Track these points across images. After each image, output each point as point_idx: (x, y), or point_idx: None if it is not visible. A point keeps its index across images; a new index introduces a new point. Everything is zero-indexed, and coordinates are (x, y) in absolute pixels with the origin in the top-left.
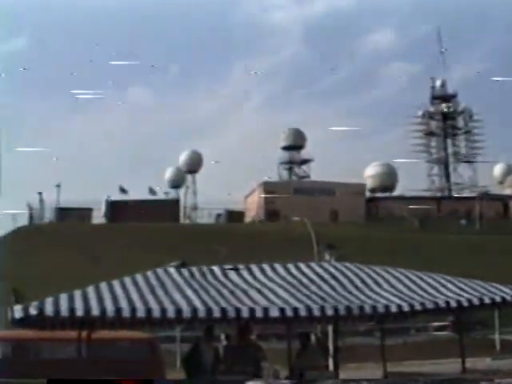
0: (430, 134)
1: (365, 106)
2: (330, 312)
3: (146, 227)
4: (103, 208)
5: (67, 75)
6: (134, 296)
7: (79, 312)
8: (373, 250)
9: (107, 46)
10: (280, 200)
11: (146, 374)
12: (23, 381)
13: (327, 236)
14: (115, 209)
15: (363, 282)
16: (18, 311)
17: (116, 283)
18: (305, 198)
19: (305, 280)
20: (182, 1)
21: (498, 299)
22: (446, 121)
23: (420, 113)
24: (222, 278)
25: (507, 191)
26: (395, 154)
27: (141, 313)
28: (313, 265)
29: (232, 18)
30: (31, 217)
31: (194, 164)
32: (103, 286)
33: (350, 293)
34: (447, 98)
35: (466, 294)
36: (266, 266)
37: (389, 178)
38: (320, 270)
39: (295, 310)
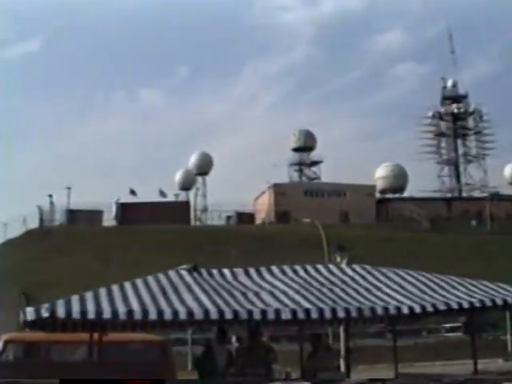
0: (440, 134)
1: (375, 106)
2: (341, 314)
3: (157, 229)
4: (113, 210)
5: (79, 77)
6: (146, 298)
7: (91, 314)
8: (383, 251)
9: (119, 48)
10: (290, 201)
11: (157, 376)
12: (36, 381)
13: (338, 237)
14: (125, 211)
15: (374, 283)
16: (29, 313)
17: (127, 285)
18: (315, 199)
19: (316, 282)
20: (192, 2)
21: (509, 300)
22: (457, 121)
23: (430, 113)
24: (232, 280)
25: None
26: (405, 154)
27: (152, 315)
28: (324, 267)
29: (242, 19)
30: (41, 219)
31: (204, 166)
32: (115, 288)
33: (361, 295)
34: (458, 98)
35: (477, 296)
36: (275, 268)
37: (399, 179)
38: (331, 272)
39: (307, 311)
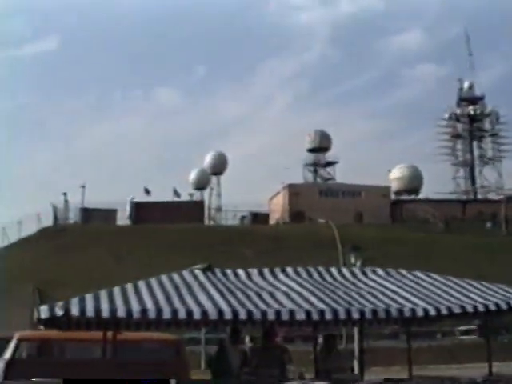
0: (456, 136)
1: (391, 107)
2: (355, 315)
3: (171, 229)
4: (128, 209)
5: (95, 76)
6: (160, 297)
7: (105, 313)
8: (398, 252)
9: (135, 47)
10: (305, 202)
11: (170, 376)
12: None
13: (352, 238)
14: (140, 210)
15: (388, 286)
16: (43, 311)
17: (142, 284)
18: (329, 199)
19: (330, 284)
20: (209, 2)
21: None
22: (473, 123)
23: (446, 115)
24: (247, 281)
25: None
26: (421, 156)
27: (166, 314)
28: (338, 269)
29: (258, 19)
30: (56, 217)
31: (219, 166)
32: (129, 286)
33: (376, 296)
34: (474, 100)
35: (492, 299)
36: (290, 269)
37: (414, 181)
38: (345, 274)
39: (321, 312)
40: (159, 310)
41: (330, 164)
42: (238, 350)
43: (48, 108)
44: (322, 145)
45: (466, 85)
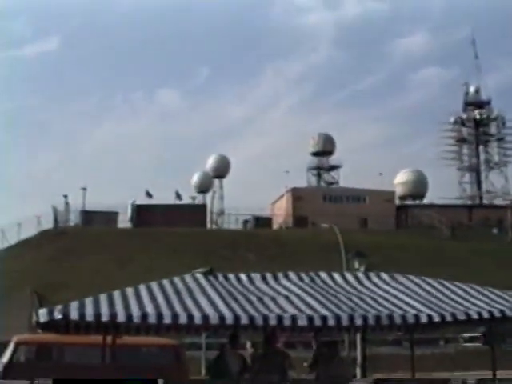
0: (461, 140)
1: (396, 111)
2: (358, 321)
3: (172, 232)
4: (129, 212)
5: (96, 77)
6: (161, 301)
7: (104, 317)
8: (402, 258)
9: (137, 48)
10: (308, 206)
11: (170, 381)
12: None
13: (356, 244)
14: (141, 213)
15: (392, 292)
16: (42, 315)
17: (142, 288)
18: (333, 204)
19: (333, 289)
20: (213, 2)
21: None
22: (479, 127)
23: (452, 119)
24: (249, 285)
25: None
26: (426, 160)
27: (167, 318)
28: (341, 274)
29: (263, 20)
30: (56, 220)
31: (222, 168)
32: (129, 290)
33: (379, 303)
34: (481, 104)
35: (497, 305)
36: (292, 274)
37: (419, 186)
38: (348, 280)
39: (324, 318)
40: (160, 315)
41: (333, 168)
42: (238, 355)
43: (49, 109)
44: (325, 148)
45: (472, 89)
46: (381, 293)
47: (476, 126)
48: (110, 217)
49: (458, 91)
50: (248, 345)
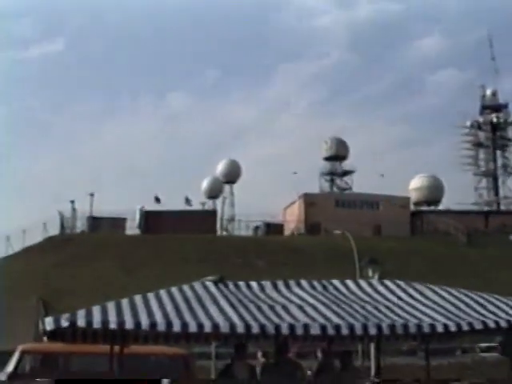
0: (478, 145)
1: (410, 115)
2: (372, 330)
3: (182, 239)
4: (137, 218)
5: (103, 79)
6: (170, 310)
7: (112, 325)
8: (417, 266)
9: (145, 50)
10: (321, 212)
11: None
12: None
13: (370, 250)
14: (150, 219)
15: (407, 300)
16: (48, 323)
17: (151, 296)
18: (346, 210)
19: (346, 298)
20: (223, 4)
21: None
22: (496, 131)
23: (468, 123)
24: (260, 293)
25: None
26: (442, 165)
27: (176, 327)
28: (354, 282)
29: (274, 22)
30: (63, 226)
31: (232, 174)
32: (138, 298)
33: (394, 311)
34: (498, 107)
35: None
36: (305, 282)
37: (435, 191)
38: (362, 288)
39: (337, 327)
40: (169, 323)
41: (347, 173)
42: (246, 365)
43: (55, 111)
44: (338, 153)
45: (488, 91)
46: (395, 301)
47: (493, 130)
48: (118, 223)
49: (475, 94)
50: (259, 354)
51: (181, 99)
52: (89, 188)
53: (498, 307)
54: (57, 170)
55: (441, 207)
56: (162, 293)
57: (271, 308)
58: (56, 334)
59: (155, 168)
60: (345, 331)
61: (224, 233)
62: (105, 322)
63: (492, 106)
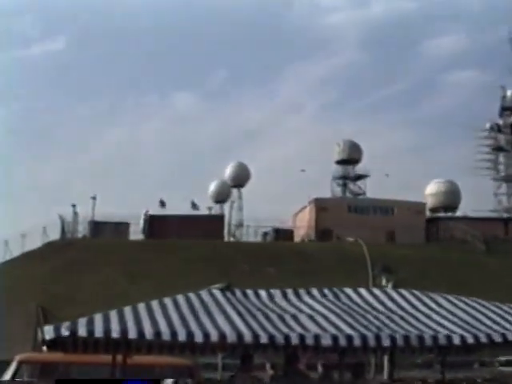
0: (498, 148)
1: (426, 117)
2: (386, 342)
3: (188, 245)
4: (141, 223)
5: (106, 78)
6: (175, 318)
7: (115, 334)
8: (433, 274)
9: (150, 48)
10: (333, 218)
11: None
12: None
13: (383, 258)
14: (154, 224)
15: (422, 310)
16: (48, 332)
17: (155, 304)
18: (359, 216)
19: (359, 307)
20: (230, 2)
21: None
22: None
23: (487, 125)
24: (268, 302)
25: None
26: (459, 170)
27: (181, 337)
28: (368, 291)
29: (284, 21)
30: (63, 230)
31: (241, 177)
32: (141, 306)
33: (408, 322)
34: None
35: None
36: (316, 291)
37: (451, 197)
38: (376, 297)
39: (349, 338)
40: (174, 333)
41: (360, 177)
42: (250, 378)
43: (56, 113)
44: (351, 156)
45: (509, 92)
46: (410, 311)
47: None
48: (121, 228)
49: (494, 95)
50: (267, 366)
51: (187, 100)
52: (91, 191)
53: None
54: (58, 173)
55: (458, 213)
56: (167, 301)
57: (280, 317)
58: (56, 344)
59: (160, 171)
60: (357, 342)
61: (232, 239)
62: (107, 330)
63: None
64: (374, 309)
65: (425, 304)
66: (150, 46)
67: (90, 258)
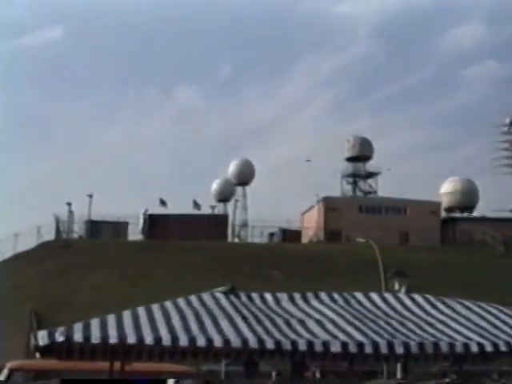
0: None
1: (442, 112)
2: (399, 349)
3: (189, 246)
4: (141, 223)
5: (105, 71)
6: (176, 323)
7: (112, 340)
8: (449, 279)
9: (152, 40)
10: (342, 218)
11: None
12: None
13: (396, 261)
14: (154, 224)
15: (438, 316)
16: (42, 337)
17: (155, 308)
18: (371, 216)
19: (370, 313)
20: None
21: None
22: None
23: (507, 121)
24: (275, 306)
25: None
26: (476, 168)
27: (183, 342)
28: (380, 295)
29: (293, 10)
30: (58, 230)
31: (246, 175)
32: (140, 310)
33: (423, 329)
34: None
35: None
36: (324, 295)
37: (469, 196)
38: (388, 302)
39: (360, 345)
40: (175, 338)
41: (371, 175)
42: None
43: (52, 107)
44: (362, 153)
45: None
46: (425, 317)
47: None
48: (119, 228)
49: None
50: (273, 373)
51: (190, 94)
52: (88, 189)
53: None
54: (53, 170)
55: (475, 214)
56: (168, 304)
57: (287, 323)
58: (50, 350)
59: (161, 168)
60: (368, 349)
61: (236, 240)
62: (104, 336)
63: None
64: (387, 314)
65: (440, 310)
66: (151, 37)
67: (87, 260)
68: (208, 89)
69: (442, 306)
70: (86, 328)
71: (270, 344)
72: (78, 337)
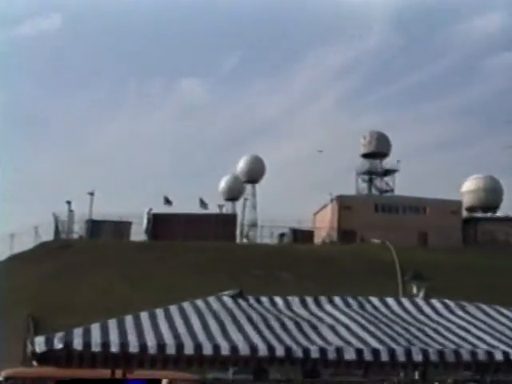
0: None
1: (463, 106)
2: (417, 356)
3: (195, 246)
4: (144, 222)
5: (106, 63)
6: (181, 329)
7: (114, 346)
8: (470, 282)
9: (156, 30)
10: (357, 218)
11: None
12: None
13: (414, 263)
14: (158, 223)
15: (459, 323)
16: (39, 344)
17: (159, 313)
18: (387, 216)
19: (387, 318)
20: None
21: None
22: None
23: None
24: (285, 310)
25: None
26: (500, 165)
27: (188, 349)
28: (397, 300)
29: (305, 2)
30: (58, 230)
31: (255, 172)
32: (143, 315)
33: (443, 335)
34: None
35: None
36: (338, 299)
37: (491, 195)
38: (406, 307)
39: (375, 352)
40: (179, 345)
41: (388, 173)
42: None
43: (50, 101)
44: (379, 149)
45: None
46: (445, 323)
47: None
48: (122, 227)
49: None
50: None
51: (195, 88)
52: (88, 187)
53: None
54: (52, 167)
55: (499, 214)
56: (172, 309)
57: (299, 328)
58: (47, 357)
59: (165, 166)
60: (384, 357)
61: (244, 240)
62: (105, 343)
63: None
64: (404, 320)
65: (462, 316)
66: (154, 28)
67: (87, 261)
68: (213, 81)
69: (463, 312)
70: (86, 334)
71: (280, 351)
72: (77, 343)
